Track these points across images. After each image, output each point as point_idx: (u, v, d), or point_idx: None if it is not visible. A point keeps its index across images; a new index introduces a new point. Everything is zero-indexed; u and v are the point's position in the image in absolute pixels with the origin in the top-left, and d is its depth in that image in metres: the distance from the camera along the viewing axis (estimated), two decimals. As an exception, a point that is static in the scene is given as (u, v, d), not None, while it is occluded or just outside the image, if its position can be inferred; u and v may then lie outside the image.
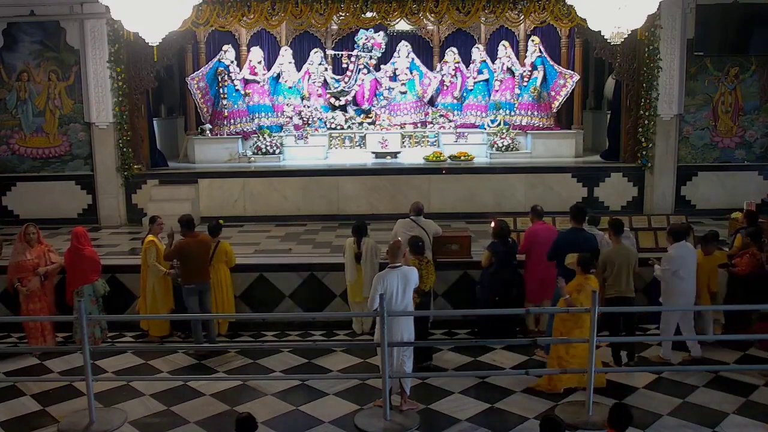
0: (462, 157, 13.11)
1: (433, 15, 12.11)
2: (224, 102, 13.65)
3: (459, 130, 13.96)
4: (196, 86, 13.57)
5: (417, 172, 12.52)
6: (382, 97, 14.41)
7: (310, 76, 14.39)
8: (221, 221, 8.85)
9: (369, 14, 11.99)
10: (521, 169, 12.63)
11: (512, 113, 13.95)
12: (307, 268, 9.26)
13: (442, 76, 14.46)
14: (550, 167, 12.75)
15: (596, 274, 7.47)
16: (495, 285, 8.08)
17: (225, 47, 13.84)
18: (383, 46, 14.43)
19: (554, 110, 14.04)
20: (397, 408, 6.58)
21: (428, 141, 13.89)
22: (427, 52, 15.09)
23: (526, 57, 14.19)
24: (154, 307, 8.45)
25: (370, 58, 14.39)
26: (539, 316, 8.46)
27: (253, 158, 13.28)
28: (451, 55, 14.33)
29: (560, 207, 10.62)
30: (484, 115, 14.15)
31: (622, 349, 7.58)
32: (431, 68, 14.79)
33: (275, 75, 14.31)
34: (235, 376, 7.58)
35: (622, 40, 8.07)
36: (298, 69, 14.40)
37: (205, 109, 13.78)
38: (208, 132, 13.60)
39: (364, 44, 14.29)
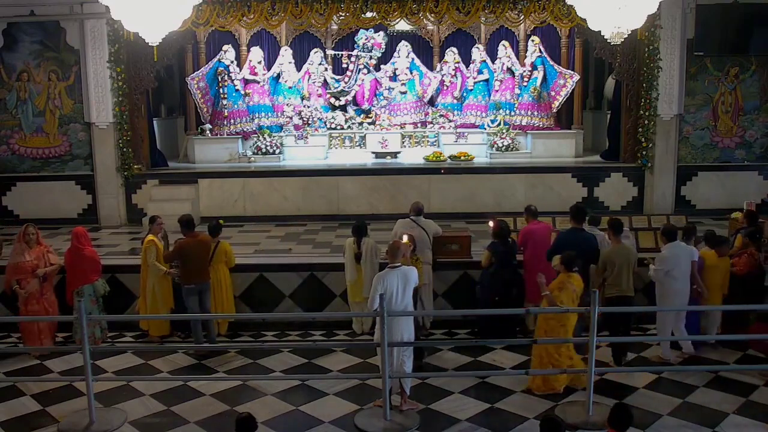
0: (462, 157, 13.11)
1: (433, 15, 12.11)
2: (224, 102, 13.65)
3: (459, 130, 13.96)
4: (196, 86, 13.57)
5: (417, 172, 12.52)
6: (382, 97, 14.41)
7: (310, 76, 14.39)
8: (221, 221, 8.85)
9: (369, 14, 11.99)
10: (521, 169, 12.64)
11: (512, 113, 13.95)
12: (307, 268, 9.26)
13: (442, 76, 14.46)
14: (550, 167, 12.75)
15: (597, 274, 7.49)
16: (495, 285, 8.09)
17: (225, 47, 13.84)
18: (383, 46, 14.44)
19: (554, 110, 14.04)
20: (397, 408, 6.58)
21: (428, 141, 13.89)
22: (427, 52, 15.09)
23: (526, 57, 14.19)
24: (154, 307, 8.45)
25: (370, 58, 14.39)
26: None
27: (253, 158, 13.28)
28: (451, 55, 14.33)
29: (560, 207, 10.63)
30: (484, 115, 14.15)
31: (619, 350, 7.60)
32: (431, 68, 14.79)
33: (275, 75, 14.31)
34: (235, 376, 7.58)
35: (622, 40, 8.06)
36: (298, 69, 14.40)
37: (205, 109, 13.78)
38: (208, 132, 13.60)
39: (364, 44, 14.29)
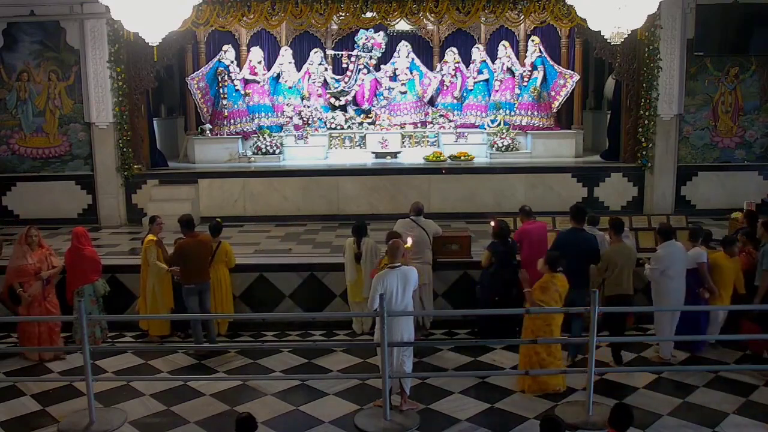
0: (462, 157, 13.11)
1: (433, 15, 12.11)
2: (224, 102, 13.65)
3: (459, 130, 13.96)
4: (196, 86, 13.57)
5: (417, 172, 12.52)
6: (382, 97, 14.41)
7: (310, 76, 14.39)
8: (218, 220, 8.83)
9: (369, 14, 11.99)
10: (521, 169, 12.64)
11: (512, 113, 13.96)
12: (307, 268, 9.26)
13: (442, 76, 14.46)
14: (550, 167, 12.75)
15: (598, 274, 7.49)
16: (495, 285, 8.08)
17: (225, 47, 13.85)
18: (383, 46, 14.44)
19: (554, 110, 14.04)
20: (397, 408, 6.57)
21: (428, 141, 13.89)
22: (427, 52, 15.10)
23: (526, 57, 14.19)
24: (154, 307, 8.44)
25: (370, 58, 14.39)
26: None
27: (253, 158, 13.28)
28: (451, 55, 14.33)
29: (560, 207, 10.64)
30: (484, 115, 14.15)
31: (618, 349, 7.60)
32: (431, 68, 14.79)
33: (275, 75, 14.31)
34: (235, 376, 7.58)
35: (622, 40, 8.06)
36: (298, 69, 14.40)
37: (205, 109, 13.78)
38: (208, 132, 13.60)
39: (364, 44, 14.29)
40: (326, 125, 14.07)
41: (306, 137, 13.71)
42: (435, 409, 6.69)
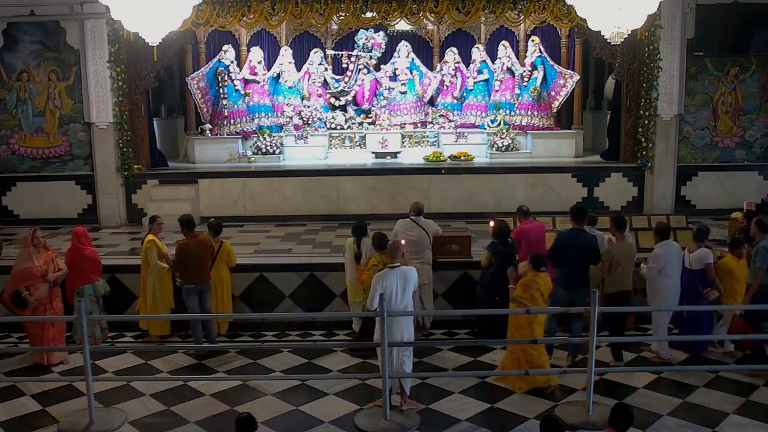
0: (462, 157, 13.11)
1: (433, 15, 12.12)
2: (224, 102, 13.65)
3: (459, 130, 13.96)
4: (196, 86, 13.57)
5: (417, 172, 12.52)
6: (382, 97, 14.41)
7: (310, 76, 14.39)
8: (212, 220, 8.81)
9: (369, 14, 11.99)
10: (521, 169, 12.64)
11: (512, 113, 13.95)
12: (307, 268, 9.26)
13: (442, 76, 14.46)
14: (550, 167, 12.75)
15: (601, 271, 7.49)
16: (495, 285, 8.07)
17: (225, 47, 13.85)
18: (383, 46, 14.44)
19: (554, 110, 14.04)
20: (397, 408, 6.57)
21: (428, 141, 13.89)
22: (427, 52, 15.09)
23: (526, 57, 14.19)
24: (154, 307, 8.44)
25: (370, 58, 14.39)
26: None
27: (253, 158, 13.28)
28: (451, 55, 14.33)
29: (560, 207, 10.64)
30: (484, 115, 14.15)
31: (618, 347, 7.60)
32: (431, 68, 14.79)
33: (275, 75, 14.31)
34: (235, 376, 7.58)
35: (622, 40, 8.07)
36: (298, 69, 14.40)
37: (205, 109, 13.78)
38: (208, 132, 13.60)
39: (364, 44, 14.29)
40: (326, 125, 14.07)
41: (306, 137, 13.71)
42: (435, 409, 6.70)
